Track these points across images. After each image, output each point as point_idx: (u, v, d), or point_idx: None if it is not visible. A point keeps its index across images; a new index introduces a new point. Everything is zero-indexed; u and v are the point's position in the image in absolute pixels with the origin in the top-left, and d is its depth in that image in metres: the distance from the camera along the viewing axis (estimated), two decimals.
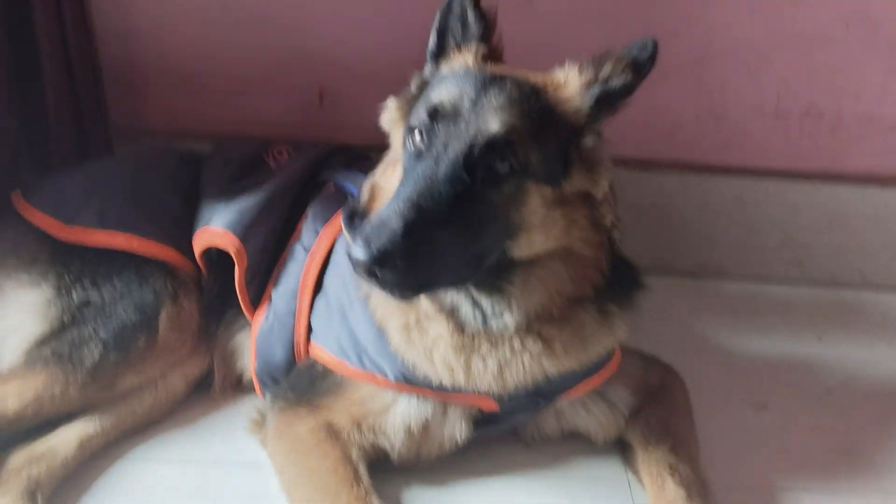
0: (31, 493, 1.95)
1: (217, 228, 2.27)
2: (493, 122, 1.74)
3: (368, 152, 2.60)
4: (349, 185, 2.37)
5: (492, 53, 2.00)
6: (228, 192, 2.39)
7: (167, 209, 2.39)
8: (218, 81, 3.02)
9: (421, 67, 2.06)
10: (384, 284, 1.65)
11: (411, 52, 2.83)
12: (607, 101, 1.81)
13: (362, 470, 1.99)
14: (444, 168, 1.71)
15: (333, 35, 2.96)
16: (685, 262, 3.25)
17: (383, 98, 2.09)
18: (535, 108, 1.79)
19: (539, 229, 1.79)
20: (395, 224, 1.61)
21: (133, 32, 2.96)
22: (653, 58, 1.77)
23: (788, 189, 3.10)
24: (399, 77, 2.09)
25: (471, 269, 1.77)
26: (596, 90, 1.81)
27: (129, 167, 2.52)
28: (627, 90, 1.79)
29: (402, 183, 1.75)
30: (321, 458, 1.99)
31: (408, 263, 1.61)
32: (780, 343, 2.87)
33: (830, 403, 2.59)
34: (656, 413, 2.22)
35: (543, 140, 1.77)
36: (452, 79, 1.86)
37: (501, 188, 1.74)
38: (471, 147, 1.72)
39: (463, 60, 1.96)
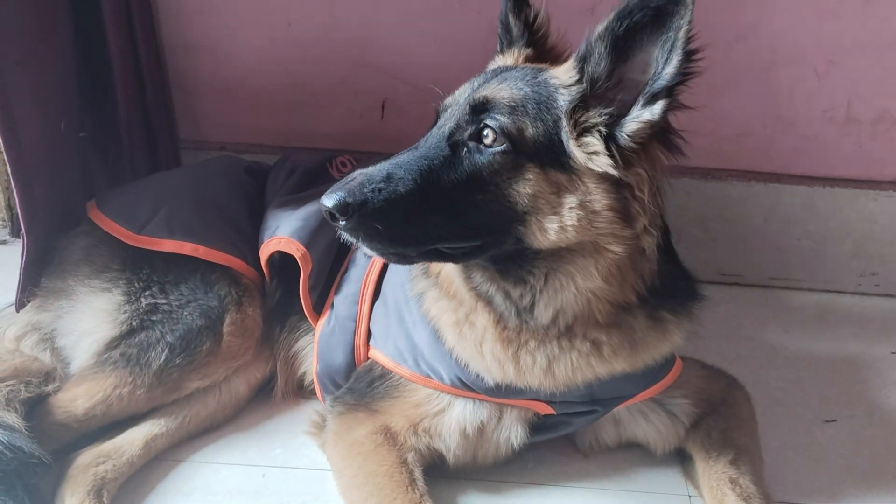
0: (98, 490, 2.02)
1: (283, 235, 2.33)
2: (481, 92, 1.81)
3: None
4: None
5: (546, 56, 2.04)
6: (294, 201, 2.46)
7: (233, 218, 2.46)
8: (283, 95, 3.10)
9: None
10: (347, 230, 1.74)
11: (472, 65, 2.88)
12: (597, 75, 1.73)
13: (418, 474, 2.01)
14: (431, 141, 1.81)
15: (396, 48, 3.00)
16: (754, 272, 3.17)
17: None
18: (529, 83, 1.81)
19: (551, 216, 1.75)
20: (362, 178, 1.73)
21: (200, 48, 3.06)
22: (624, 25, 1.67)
23: (860, 197, 3.00)
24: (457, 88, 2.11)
25: (467, 242, 1.79)
26: (583, 61, 1.75)
27: (197, 178, 2.61)
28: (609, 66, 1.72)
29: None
30: (378, 463, 2.01)
31: (366, 213, 1.69)
32: (852, 356, 2.78)
33: None
34: (718, 425, 2.18)
35: (539, 116, 1.76)
36: (475, 77, 1.95)
37: (491, 161, 1.75)
38: (458, 120, 1.81)
39: (502, 61, 2.04)
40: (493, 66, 2.06)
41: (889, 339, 2.87)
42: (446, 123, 1.83)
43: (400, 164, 1.76)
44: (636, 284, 1.86)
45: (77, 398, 2.15)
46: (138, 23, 2.80)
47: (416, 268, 2.12)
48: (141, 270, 2.32)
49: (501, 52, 2.10)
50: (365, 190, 1.70)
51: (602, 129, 1.73)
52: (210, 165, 2.75)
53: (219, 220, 2.43)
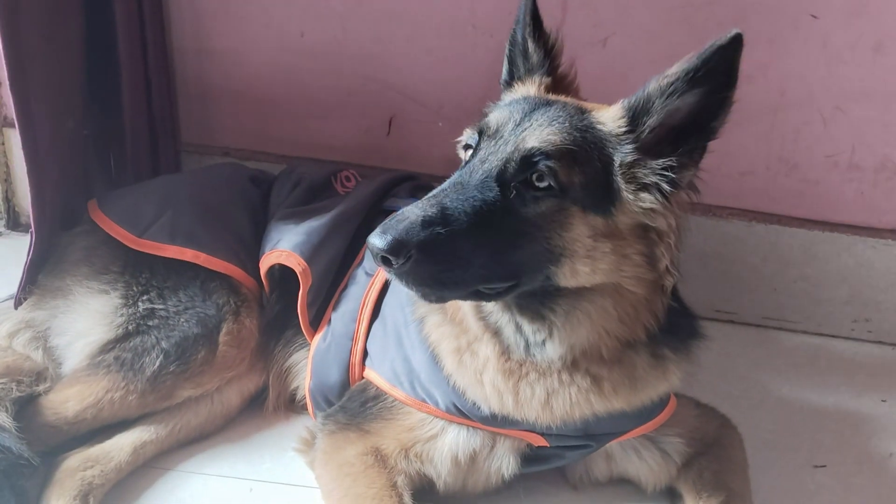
0: (84, 495, 2.00)
1: (285, 248, 2.32)
2: (531, 138, 1.77)
3: (433, 182, 2.63)
4: None
5: (558, 85, 2.04)
6: (297, 214, 2.45)
7: (235, 227, 2.45)
8: (290, 105, 3.10)
9: (489, 101, 2.09)
10: (399, 275, 1.68)
11: (480, 86, 2.88)
12: (651, 128, 1.75)
13: (407, 499, 1.99)
14: (476, 177, 1.76)
15: (405, 67, 3.00)
16: (749, 311, 3.18)
17: (449, 130, 2.11)
18: (577, 127, 1.79)
19: (584, 259, 1.75)
20: (414, 217, 1.66)
21: (211, 52, 3.05)
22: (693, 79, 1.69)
23: (859, 244, 3.02)
24: (466, 110, 2.11)
25: (505, 282, 1.77)
26: (638, 113, 1.77)
27: (202, 184, 2.59)
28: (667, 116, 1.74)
29: (439, 188, 1.79)
30: (367, 485, 2.00)
31: (421, 256, 1.64)
32: (843, 402, 2.79)
33: (892, 468, 2.50)
34: (710, 465, 2.17)
35: (587, 162, 1.76)
36: (507, 105, 1.92)
37: (538, 205, 1.74)
38: (506, 161, 1.76)
39: (525, 90, 2.02)
40: (514, 95, 2.03)
41: (879, 387, 2.88)
42: (490, 159, 1.78)
43: (453, 205, 1.70)
44: (648, 323, 1.87)
45: (68, 400, 2.13)
46: (149, 24, 2.79)
47: None
48: (140, 274, 2.31)
49: (520, 79, 2.07)
50: (422, 232, 1.64)
51: (665, 186, 1.74)
52: (214, 172, 2.73)
53: (221, 227, 2.42)
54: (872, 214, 3.02)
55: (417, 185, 2.63)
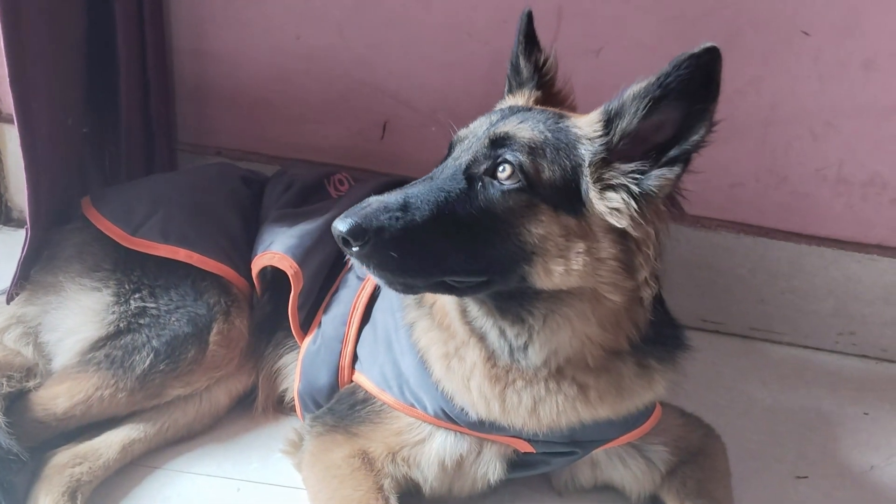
0: (73, 492, 2.01)
1: (277, 251, 2.33)
2: (502, 128, 1.82)
3: None
4: None
5: (551, 99, 2.08)
6: (290, 216, 2.46)
7: (227, 227, 2.46)
8: (285, 106, 3.11)
9: (482, 107, 2.11)
10: (359, 257, 1.71)
11: (475, 93, 2.90)
12: (624, 132, 1.76)
13: (393, 502, 2.01)
14: (447, 172, 1.81)
15: (400, 72, 3.02)
16: (735, 322, 3.21)
17: (442, 135, 2.13)
18: (551, 129, 1.82)
19: (557, 259, 1.76)
20: (377, 205, 1.71)
21: (208, 54, 3.06)
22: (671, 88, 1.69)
23: (845, 258, 3.05)
24: (460, 116, 2.12)
25: (475, 277, 1.79)
26: (612, 117, 1.78)
27: (194, 184, 2.60)
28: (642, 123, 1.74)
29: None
30: (354, 487, 2.01)
31: (379, 240, 1.68)
32: (826, 414, 2.82)
33: (872, 481, 2.53)
34: (694, 474, 2.20)
35: (557, 161, 1.78)
36: (489, 113, 1.96)
37: (506, 199, 1.75)
38: (475, 153, 1.81)
39: (513, 102, 2.07)
40: (503, 105, 2.08)
41: (863, 400, 2.91)
42: (463, 155, 1.83)
43: (417, 194, 1.75)
44: (630, 332, 1.89)
45: (58, 396, 2.14)
46: (149, 24, 2.80)
47: (410, 297, 2.12)
48: (132, 272, 2.31)
49: (511, 92, 2.12)
50: (381, 217, 1.69)
51: (633, 187, 1.75)
52: (207, 172, 2.74)
53: (213, 227, 2.42)
54: (860, 229, 3.05)
55: None
